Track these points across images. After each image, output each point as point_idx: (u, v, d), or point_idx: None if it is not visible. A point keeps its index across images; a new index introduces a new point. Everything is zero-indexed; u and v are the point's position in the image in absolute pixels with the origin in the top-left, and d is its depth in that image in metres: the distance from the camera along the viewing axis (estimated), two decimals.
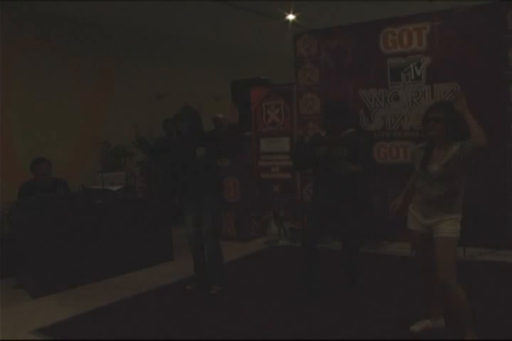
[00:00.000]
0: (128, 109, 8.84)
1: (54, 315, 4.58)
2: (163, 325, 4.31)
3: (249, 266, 6.16)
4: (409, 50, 5.87)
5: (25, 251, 5.25)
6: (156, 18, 8.42)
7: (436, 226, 3.51)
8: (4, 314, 4.69)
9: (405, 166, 5.75)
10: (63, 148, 7.80)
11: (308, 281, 4.75)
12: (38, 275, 5.18)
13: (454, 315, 3.54)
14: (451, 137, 3.46)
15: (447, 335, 3.71)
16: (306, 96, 6.64)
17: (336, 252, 5.18)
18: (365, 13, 6.64)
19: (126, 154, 8.51)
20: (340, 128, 4.69)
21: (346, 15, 7.26)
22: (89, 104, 8.38)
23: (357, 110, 6.20)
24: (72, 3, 7.06)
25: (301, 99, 6.68)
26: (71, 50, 8.11)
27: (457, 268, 3.49)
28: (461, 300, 3.44)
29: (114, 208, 5.87)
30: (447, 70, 5.68)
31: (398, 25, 5.92)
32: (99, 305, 4.80)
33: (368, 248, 6.30)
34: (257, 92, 7.17)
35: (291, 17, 8.50)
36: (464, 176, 3.51)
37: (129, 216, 5.95)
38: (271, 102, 7.05)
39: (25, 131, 7.34)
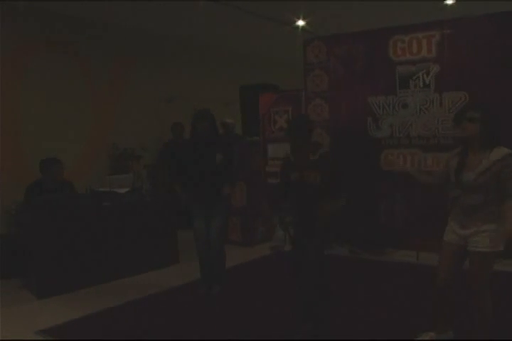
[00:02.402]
0: (137, 112, 8.87)
1: (59, 316, 4.60)
2: (169, 328, 4.33)
3: (254, 270, 6.17)
4: (419, 57, 5.86)
5: (30, 252, 5.28)
6: (168, 22, 8.45)
7: (472, 239, 3.43)
8: (9, 314, 4.72)
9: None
10: (72, 149, 7.82)
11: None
12: (44, 276, 5.21)
13: (477, 324, 3.54)
14: (485, 140, 3.38)
15: None
16: (314, 103, 6.64)
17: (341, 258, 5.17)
18: (375, 20, 6.64)
19: (134, 157, 8.54)
20: (306, 150, 4.12)
21: (356, 22, 7.27)
22: (99, 105, 8.41)
23: (365, 117, 6.21)
24: (85, 3, 7.10)
25: (310, 105, 6.69)
26: (82, 52, 8.14)
27: (488, 279, 3.48)
28: (487, 312, 3.47)
29: (121, 211, 5.90)
30: (456, 79, 5.67)
31: (408, 32, 5.92)
32: (104, 307, 4.83)
33: (374, 255, 6.31)
34: (265, 98, 7.19)
35: (301, 23, 8.52)
36: (499, 184, 3.36)
37: (136, 218, 5.97)
38: (279, 108, 7.07)
39: (35, 132, 7.36)
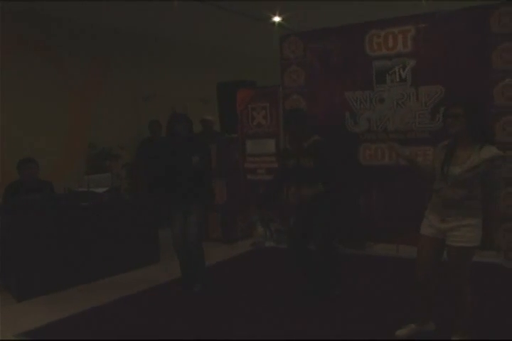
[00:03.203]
0: (114, 111, 8.81)
1: (39, 318, 4.55)
2: (151, 327, 4.30)
3: (235, 267, 6.16)
4: (395, 52, 5.89)
5: (9, 253, 5.22)
6: (143, 20, 8.40)
7: (452, 233, 3.43)
8: None
9: (390, 168, 5.87)
10: (50, 149, 7.75)
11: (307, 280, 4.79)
12: (23, 277, 5.16)
13: (458, 317, 3.57)
14: (473, 136, 3.38)
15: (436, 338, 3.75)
16: (291, 98, 6.64)
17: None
18: (351, 15, 6.66)
19: (112, 156, 8.49)
20: (301, 138, 4.64)
21: (332, 17, 7.27)
22: (76, 105, 8.34)
23: (343, 112, 6.23)
24: (60, 3, 7.02)
25: (287, 100, 6.69)
26: (59, 51, 8.06)
27: (468, 274, 3.51)
28: (468, 306, 3.51)
29: (100, 210, 5.85)
30: (432, 73, 5.72)
31: (383, 27, 5.95)
32: (85, 308, 4.79)
33: (356, 249, 6.35)
34: (243, 94, 7.18)
35: (277, 19, 8.53)
36: (484, 182, 3.39)
37: (115, 218, 5.93)
38: (257, 104, 7.06)
39: (12, 132, 7.28)
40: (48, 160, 7.30)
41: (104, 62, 8.81)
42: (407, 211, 5.58)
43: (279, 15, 8.38)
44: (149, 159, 5.38)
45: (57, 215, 5.45)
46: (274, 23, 8.65)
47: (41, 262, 5.23)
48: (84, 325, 4.42)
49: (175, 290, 5.18)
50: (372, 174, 6.00)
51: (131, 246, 6.03)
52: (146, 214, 6.30)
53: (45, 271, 5.25)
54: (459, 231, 3.39)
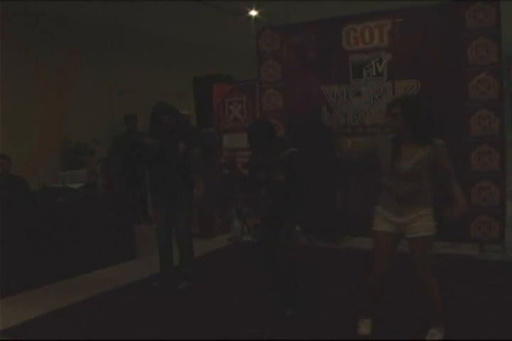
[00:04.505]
0: (88, 105, 8.73)
1: (16, 316, 4.47)
2: (130, 324, 4.27)
3: (214, 262, 6.15)
4: (371, 46, 5.92)
5: None
6: (117, 14, 8.32)
7: (411, 225, 3.49)
8: None
9: (367, 163, 5.88)
10: (22, 145, 7.65)
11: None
12: None
13: (432, 308, 3.60)
14: (414, 133, 3.43)
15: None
16: (268, 92, 6.63)
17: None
18: (328, 9, 6.65)
19: (88, 151, 8.40)
20: (272, 150, 4.23)
21: (309, 11, 7.28)
22: (49, 100, 8.23)
23: (319, 106, 6.23)
24: None
25: (264, 95, 6.68)
26: (31, 45, 7.95)
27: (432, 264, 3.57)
28: (437, 295, 3.54)
29: (76, 206, 5.78)
30: (408, 67, 5.76)
31: (360, 22, 5.97)
32: (62, 306, 4.72)
33: (332, 243, 6.38)
34: (219, 89, 7.15)
35: (253, 13, 8.50)
36: (431, 172, 3.52)
37: (91, 214, 5.87)
38: (233, 98, 7.04)
39: None
40: (22, 156, 7.20)
41: (77, 56, 8.70)
42: None
43: (256, 9, 8.35)
44: (128, 154, 5.29)
45: (32, 212, 5.36)
46: (250, 16, 8.61)
47: (16, 259, 5.14)
48: (61, 323, 4.36)
49: (152, 287, 5.14)
50: (349, 168, 6.01)
51: (108, 242, 5.97)
52: (123, 210, 6.24)
53: (21, 268, 5.16)
54: (417, 222, 3.48)
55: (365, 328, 3.78)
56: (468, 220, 5.64)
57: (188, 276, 5.15)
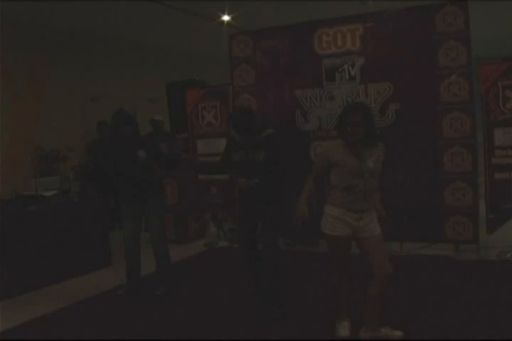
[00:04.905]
0: (61, 112, 8.63)
1: None
2: (104, 332, 4.21)
3: (190, 268, 6.11)
4: (344, 50, 5.97)
5: None
6: (88, 19, 8.25)
7: (367, 226, 3.57)
8: None
9: None
10: None
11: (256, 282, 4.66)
12: None
13: (375, 306, 3.62)
14: (367, 136, 3.53)
15: None
16: (242, 97, 6.63)
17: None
18: (300, 14, 6.69)
19: (60, 158, 8.30)
20: (255, 131, 4.46)
21: (281, 16, 7.31)
22: (20, 107, 8.12)
23: (293, 110, 6.25)
24: (3, 2, 6.82)
25: (237, 99, 6.67)
26: (1, 51, 7.83)
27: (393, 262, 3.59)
28: (383, 294, 3.59)
29: (49, 214, 5.70)
30: (381, 70, 5.82)
31: (332, 26, 6.01)
32: (35, 316, 4.62)
33: (307, 246, 6.38)
34: (192, 94, 7.13)
35: (226, 18, 8.51)
36: None
37: (64, 221, 5.79)
38: (207, 103, 7.02)
39: None
40: None
41: (49, 62, 8.61)
42: None
43: (228, 14, 8.36)
44: (99, 161, 5.25)
45: (3, 220, 5.26)
46: (223, 21, 8.62)
47: None
48: (35, 334, 4.26)
49: (120, 296, 5.08)
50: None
51: (82, 250, 5.89)
52: (97, 217, 6.17)
53: None
54: (371, 224, 3.60)
55: (343, 331, 3.79)
56: (442, 221, 5.71)
57: (166, 282, 5.11)
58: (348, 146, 3.56)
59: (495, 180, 5.57)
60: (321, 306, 4.35)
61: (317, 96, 6.15)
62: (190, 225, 7.49)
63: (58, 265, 5.61)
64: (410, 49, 5.70)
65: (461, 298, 4.44)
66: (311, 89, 6.17)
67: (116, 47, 9.82)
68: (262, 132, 4.45)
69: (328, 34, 6.03)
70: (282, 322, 4.18)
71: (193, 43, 10.49)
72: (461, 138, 5.58)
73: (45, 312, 4.73)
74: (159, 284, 5.10)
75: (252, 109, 4.97)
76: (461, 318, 4.00)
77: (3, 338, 4.22)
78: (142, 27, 8.96)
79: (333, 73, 6.03)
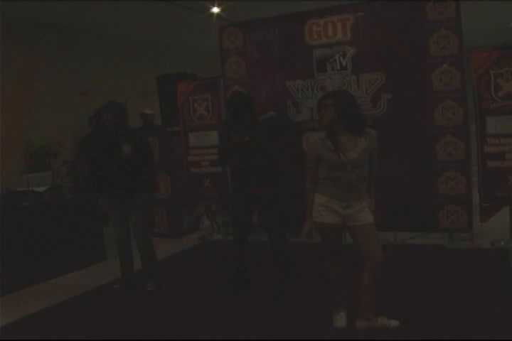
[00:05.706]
0: (51, 107, 8.57)
1: None
2: (99, 328, 4.19)
3: (184, 262, 6.11)
4: (334, 40, 5.94)
5: None
6: (77, 13, 8.18)
7: (357, 215, 3.56)
8: None
9: None
10: None
11: (240, 272, 4.70)
12: None
13: (368, 295, 3.63)
14: (346, 124, 3.49)
15: None
16: (233, 89, 6.59)
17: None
18: (290, 5, 6.66)
19: (52, 153, 8.26)
20: (254, 114, 4.55)
21: (271, 7, 7.26)
22: (10, 102, 8.05)
23: (285, 101, 6.23)
24: None
25: (229, 91, 6.63)
26: None
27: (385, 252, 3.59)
28: (374, 284, 3.60)
29: (42, 210, 5.67)
30: (372, 60, 5.80)
31: (322, 16, 5.98)
32: (30, 312, 4.60)
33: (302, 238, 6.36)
34: (183, 86, 7.08)
35: (215, 10, 8.46)
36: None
37: (57, 217, 5.76)
38: (198, 96, 6.98)
39: None
40: None
41: (38, 56, 8.53)
42: None
43: (218, 6, 8.31)
44: (87, 155, 5.20)
45: None
46: (212, 14, 8.57)
47: None
48: (29, 330, 4.25)
49: (115, 289, 5.08)
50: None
51: (76, 246, 5.87)
52: (90, 212, 6.14)
53: None
54: (362, 212, 3.57)
55: (340, 321, 3.79)
56: (436, 210, 5.72)
57: (154, 277, 5.08)
58: (329, 139, 3.54)
59: (487, 169, 5.57)
60: (319, 297, 4.35)
61: (308, 86, 6.12)
62: (184, 219, 7.47)
63: (52, 260, 5.59)
64: (401, 38, 5.69)
65: (455, 287, 4.44)
66: (303, 79, 6.15)
67: (106, 40, 9.75)
68: (262, 115, 4.58)
69: (318, 24, 6.00)
70: (282, 313, 4.18)
71: (183, 36, 10.43)
72: (454, 127, 5.57)
73: (44, 307, 4.71)
74: (148, 279, 5.07)
75: (248, 94, 5.03)
76: (456, 307, 4.00)
77: (3, 333, 4.19)
78: (132, 20, 8.90)
79: (324, 64, 6.01)
